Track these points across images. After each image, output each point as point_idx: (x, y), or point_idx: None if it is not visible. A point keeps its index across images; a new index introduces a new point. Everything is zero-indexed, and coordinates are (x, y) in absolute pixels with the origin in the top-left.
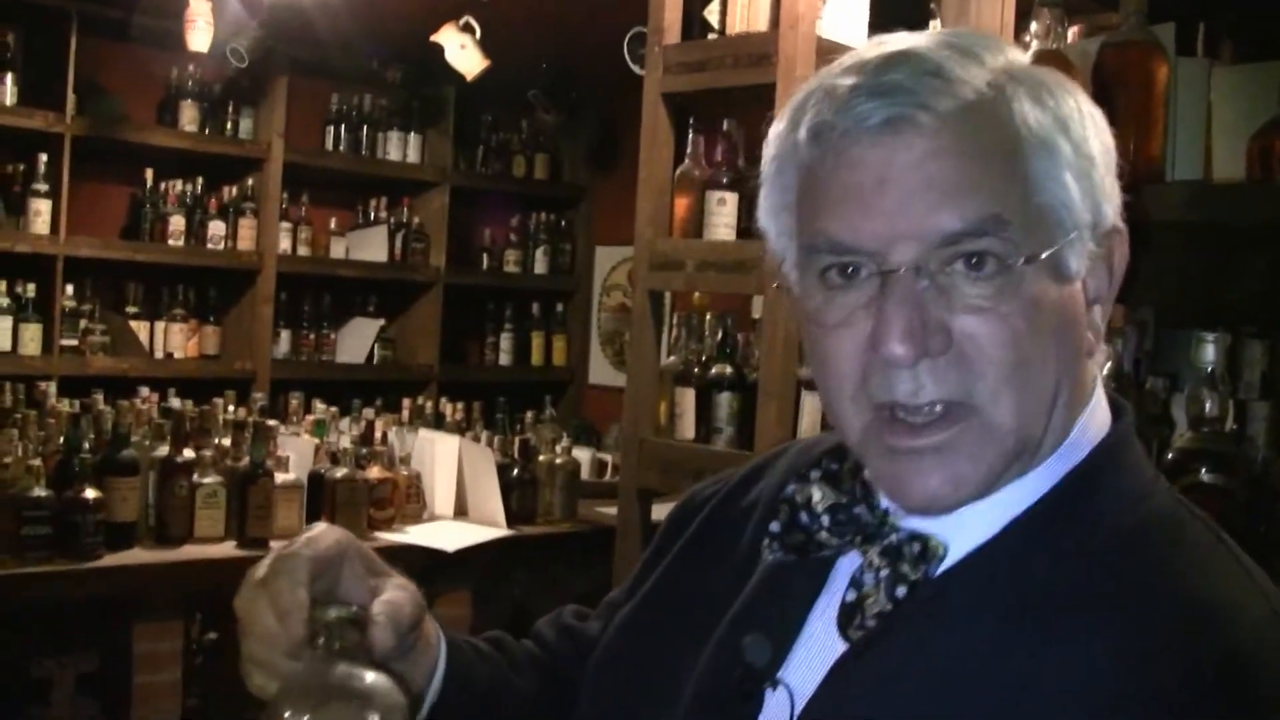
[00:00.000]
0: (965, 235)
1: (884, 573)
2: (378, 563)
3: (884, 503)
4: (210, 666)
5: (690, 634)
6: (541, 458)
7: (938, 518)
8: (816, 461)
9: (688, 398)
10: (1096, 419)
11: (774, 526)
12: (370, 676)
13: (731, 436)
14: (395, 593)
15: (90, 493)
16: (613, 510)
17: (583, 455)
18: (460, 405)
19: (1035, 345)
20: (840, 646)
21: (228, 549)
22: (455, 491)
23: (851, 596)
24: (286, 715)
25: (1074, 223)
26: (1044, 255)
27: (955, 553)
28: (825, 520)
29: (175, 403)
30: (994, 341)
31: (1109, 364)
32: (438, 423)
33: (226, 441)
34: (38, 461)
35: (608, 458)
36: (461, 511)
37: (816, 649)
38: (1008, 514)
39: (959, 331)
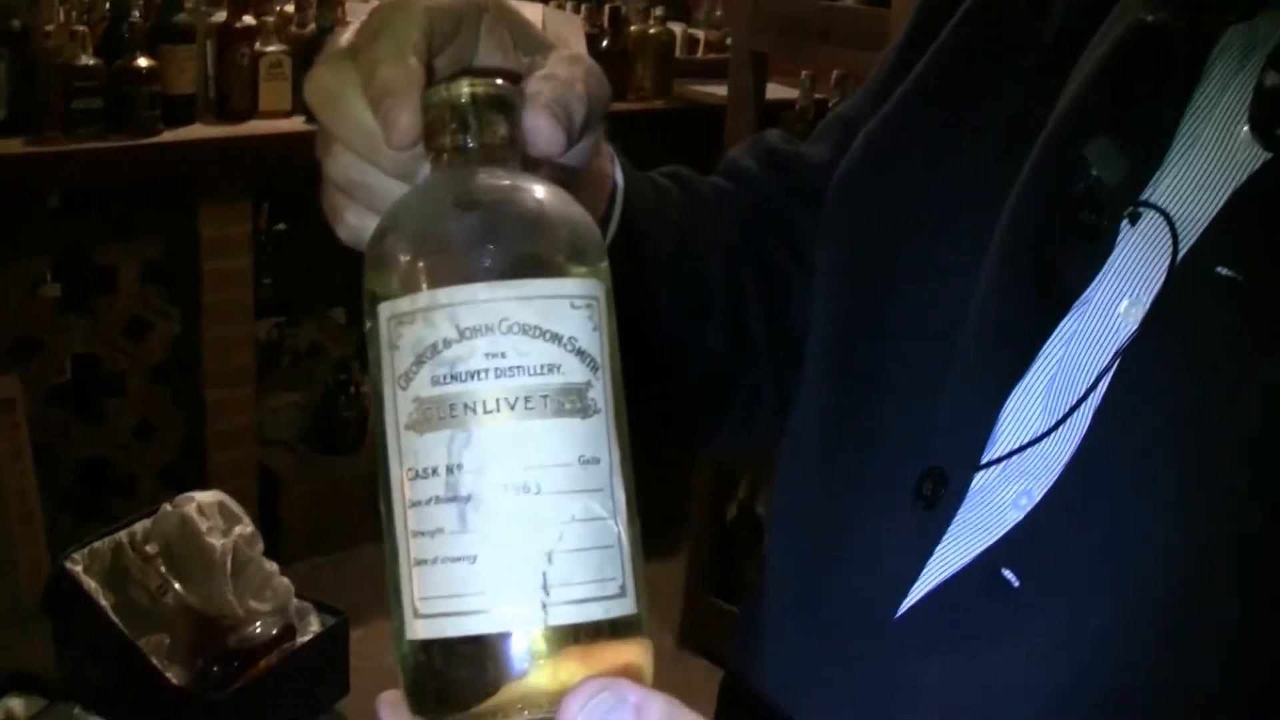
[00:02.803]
0: None
1: None
2: (532, 30)
3: None
4: (281, 256)
5: (989, 145)
6: (633, 28)
7: None
8: None
9: None
10: None
11: None
12: (539, 188)
13: None
14: (563, 67)
15: (143, 62)
16: (709, 89)
17: (673, 29)
18: None
19: None
20: (1251, 156)
21: (295, 123)
22: None
23: (1275, 80)
24: (399, 260)
25: None
26: None
27: None
28: None
29: None
30: None
31: None
32: None
33: (290, 8)
34: (83, 28)
35: (700, 34)
36: None
37: (1204, 161)
38: None
39: None
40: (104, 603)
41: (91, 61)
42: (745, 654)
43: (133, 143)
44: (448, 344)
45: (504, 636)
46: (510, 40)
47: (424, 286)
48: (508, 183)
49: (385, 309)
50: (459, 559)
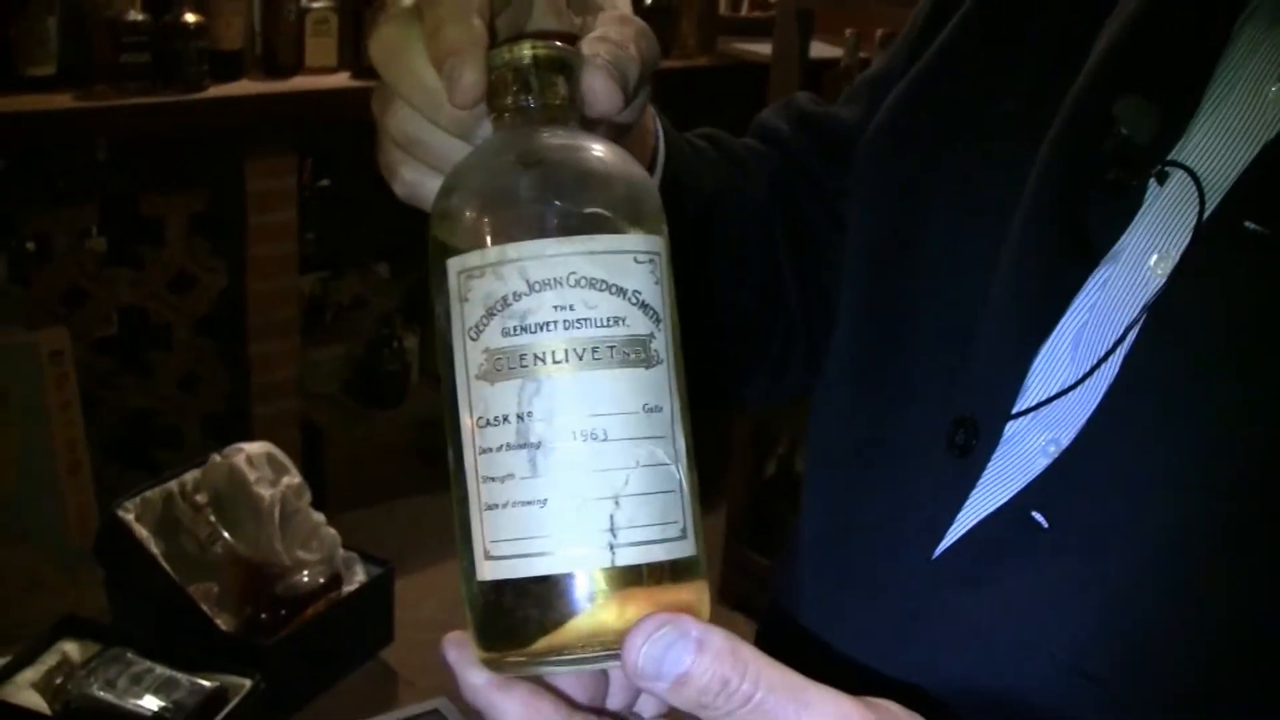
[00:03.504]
0: None
1: None
2: None
3: None
4: (324, 211)
5: (1019, 98)
6: None
7: None
8: None
9: None
10: None
11: None
12: (600, 146)
13: None
14: (615, 29)
15: (191, 17)
16: (753, 46)
17: None
18: None
19: None
20: (1278, 114)
21: (341, 79)
22: None
23: None
24: (467, 216)
25: None
26: None
27: None
28: None
29: None
30: None
31: None
32: None
33: None
34: None
35: None
36: None
37: (1234, 119)
38: None
39: None
40: (155, 551)
41: (140, 17)
42: (783, 593)
43: (180, 98)
44: (518, 297)
45: (572, 576)
46: (564, 1)
47: (493, 242)
48: (570, 142)
49: (455, 263)
50: (529, 503)
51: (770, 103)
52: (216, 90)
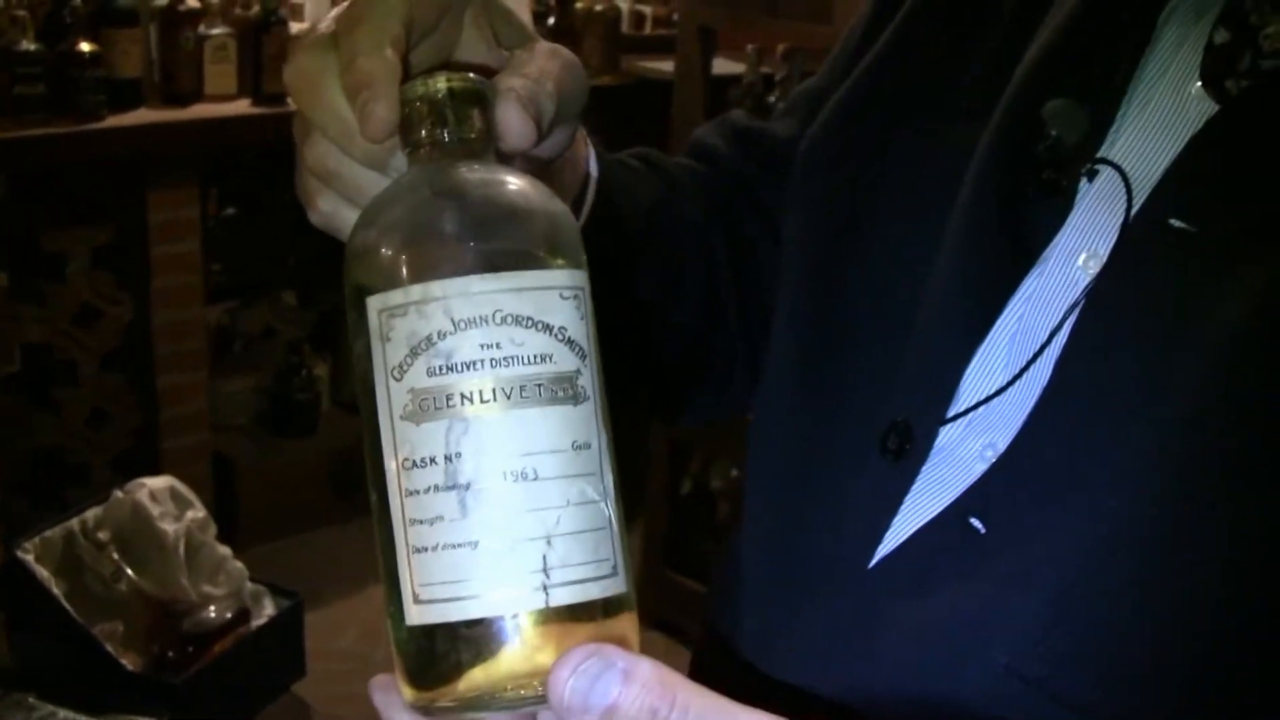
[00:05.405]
0: None
1: None
2: (515, 21)
3: None
4: (230, 240)
5: (953, 108)
6: (579, 4)
7: None
8: None
9: None
10: None
11: None
12: (519, 181)
13: None
14: (537, 63)
15: (86, 46)
16: (656, 64)
17: (619, 5)
18: None
19: None
20: (1200, 113)
21: (242, 106)
22: None
23: (1224, 37)
24: (386, 254)
25: None
26: None
27: None
28: None
29: None
30: None
31: None
32: None
33: None
34: (24, 12)
35: (646, 9)
36: None
37: (1158, 118)
38: None
39: None
40: (57, 591)
41: (33, 46)
42: (722, 603)
43: (78, 128)
44: (442, 335)
45: (507, 619)
46: (493, 33)
47: (415, 280)
48: (489, 176)
49: (375, 302)
50: (460, 545)
51: (675, 120)
52: (115, 120)
